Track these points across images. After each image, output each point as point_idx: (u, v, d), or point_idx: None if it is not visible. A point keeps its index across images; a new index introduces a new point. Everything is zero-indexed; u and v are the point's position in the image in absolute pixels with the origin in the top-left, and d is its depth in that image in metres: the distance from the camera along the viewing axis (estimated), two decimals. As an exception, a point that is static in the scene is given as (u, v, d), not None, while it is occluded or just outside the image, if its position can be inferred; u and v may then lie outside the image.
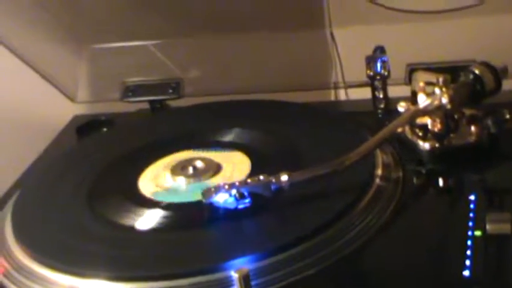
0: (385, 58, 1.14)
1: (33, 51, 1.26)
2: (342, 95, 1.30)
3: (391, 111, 1.12)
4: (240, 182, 0.92)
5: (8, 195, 1.08)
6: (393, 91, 1.17)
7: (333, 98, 1.30)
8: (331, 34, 1.24)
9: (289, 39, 1.25)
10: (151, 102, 1.28)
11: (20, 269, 0.90)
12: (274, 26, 1.24)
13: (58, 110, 1.31)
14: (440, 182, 0.98)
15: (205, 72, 1.30)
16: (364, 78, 1.18)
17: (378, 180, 0.97)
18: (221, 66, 1.30)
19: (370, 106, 1.18)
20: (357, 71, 1.21)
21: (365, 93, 1.21)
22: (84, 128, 1.25)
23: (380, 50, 1.14)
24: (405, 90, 1.12)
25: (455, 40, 1.16)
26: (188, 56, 1.30)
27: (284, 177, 0.91)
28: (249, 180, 0.92)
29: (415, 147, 1.03)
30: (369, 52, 1.16)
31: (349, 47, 1.24)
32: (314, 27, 1.24)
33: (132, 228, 0.94)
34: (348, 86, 1.28)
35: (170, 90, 1.27)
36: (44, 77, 1.28)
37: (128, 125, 1.23)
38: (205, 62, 1.30)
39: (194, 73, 1.30)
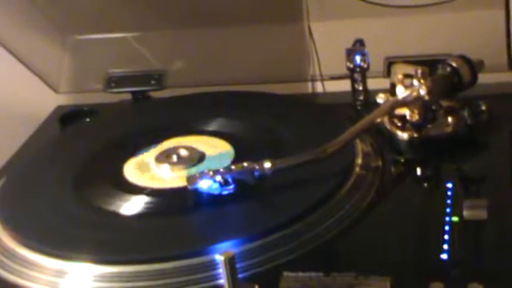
0: (364, 51, 1.16)
1: (17, 41, 1.27)
2: (319, 88, 1.32)
3: (369, 104, 1.15)
4: (224, 169, 0.94)
5: (-7, 181, 1.09)
6: (372, 84, 1.19)
7: (310, 90, 1.32)
8: (309, 28, 1.26)
9: (268, 33, 1.27)
10: (134, 93, 1.29)
11: (7, 253, 0.92)
12: (253, 19, 1.26)
13: (41, 101, 1.32)
14: (418, 170, 1.01)
15: (187, 64, 1.32)
16: (341, 72, 1.21)
17: (357, 169, 0.99)
18: (202, 58, 1.31)
19: (347, 98, 1.20)
20: (335, 64, 1.23)
21: (341, 86, 1.24)
22: (67, 118, 1.26)
23: (360, 43, 1.17)
24: (383, 83, 1.15)
25: (433, 34, 1.18)
26: (170, 48, 1.32)
27: (267, 164, 0.94)
28: (233, 167, 0.94)
29: (393, 137, 1.06)
30: (347, 46, 1.18)
31: (327, 40, 1.26)
32: (292, 20, 1.27)
33: (117, 214, 0.96)
34: (324, 78, 1.29)
35: (153, 82, 1.29)
36: (27, 66, 1.29)
37: (111, 114, 1.24)
38: (187, 54, 1.32)
39: (176, 65, 1.32)
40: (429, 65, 1.07)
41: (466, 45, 1.11)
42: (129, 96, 1.30)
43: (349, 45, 1.18)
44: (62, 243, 0.91)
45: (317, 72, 1.29)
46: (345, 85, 1.23)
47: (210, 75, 1.30)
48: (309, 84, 1.32)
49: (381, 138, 1.06)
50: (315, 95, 1.31)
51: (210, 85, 1.26)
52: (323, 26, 1.26)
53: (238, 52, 1.29)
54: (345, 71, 1.20)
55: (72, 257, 0.88)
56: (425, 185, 0.99)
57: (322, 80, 1.30)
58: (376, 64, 1.19)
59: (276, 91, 1.23)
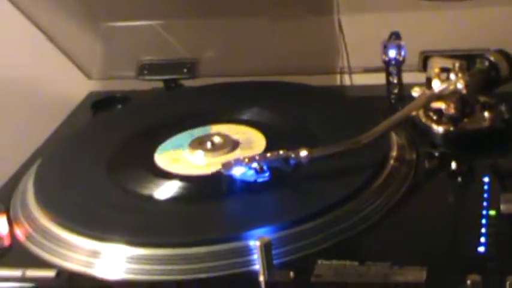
0: (400, 44, 1.15)
1: (52, 27, 1.28)
2: (347, 81, 1.32)
3: (404, 97, 1.14)
4: (260, 156, 0.94)
5: (28, 164, 1.09)
6: (406, 78, 1.19)
7: (338, 83, 1.32)
8: (339, 21, 1.26)
9: (298, 25, 1.27)
10: (166, 81, 1.30)
11: (44, 233, 0.92)
12: (283, 11, 1.26)
13: (74, 86, 1.33)
14: (454, 164, 1.00)
15: (219, 54, 1.32)
16: (370, 65, 1.20)
17: (392, 161, 0.99)
18: (233, 48, 1.31)
19: (378, 91, 1.20)
20: (364, 57, 1.23)
21: (370, 79, 1.24)
22: (100, 104, 1.27)
23: (395, 36, 1.16)
24: (417, 78, 1.14)
25: (470, 28, 1.17)
26: (203, 37, 1.31)
27: (303, 153, 0.93)
28: (268, 155, 0.94)
29: (428, 131, 1.05)
30: (377, 39, 1.17)
31: (357, 33, 1.26)
32: (323, 13, 1.26)
33: (152, 198, 0.96)
34: (357, 71, 1.29)
35: (185, 70, 1.29)
36: (62, 52, 1.29)
37: (144, 101, 1.25)
38: (219, 44, 1.32)
39: (209, 54, 1.32)
40: (466, 59, 1.06)
41: (504, 40, 1.10)
42: (160, 84, 1.30)
43: (380, 39, 1.17)
44: (97, 224, 0.91)
45: (346, 65, 1.29)
46: (374, 79, 1.23)
47: (240, 65, 1.30)
48: (338, 77, 1.32)
49: (416, 131, 1.06)
50: (344, 87, 1.31)
51: (240, 75, 1.26)
52: (353, 19, 1.25)
53: (267, 43, 1.29)
54: (374, 65, 1.20)
55: (106, 238, 0.89)
56: (461, 178, 0.98)
57: (351, 73, 1.30)
58: (411, 58, 1.18)
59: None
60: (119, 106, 1.26)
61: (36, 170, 1.03)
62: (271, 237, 0.83)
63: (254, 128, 1.08)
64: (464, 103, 1.04)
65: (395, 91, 1.18)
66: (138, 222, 0.92)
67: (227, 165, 0.94)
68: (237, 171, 0.94)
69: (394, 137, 1.03)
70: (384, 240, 0.88)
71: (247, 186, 0.94)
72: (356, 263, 0.83)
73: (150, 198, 0.96)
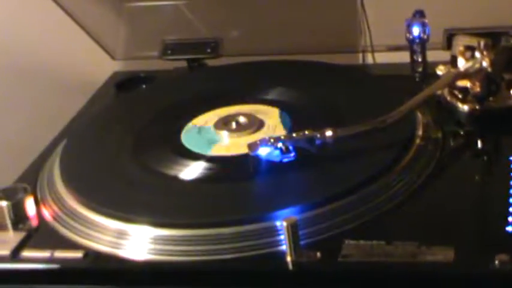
0: (424, 22, 1.15)
1: (77, 7, 1.28)
2: (370, 59, 1.31)
3: (428, 76, 1.14)
4: (285, 136, 0.94)
5: (54, 144, 1.10)
6: (430, 56, 1.18)
7: (360, 62, 1.32)
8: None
9: (321, 2, 1.26)
10: (189, 60, 1.29)
11: (71, 213, 0.93)
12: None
13: (98, 67, 1.33)
14: (480, 143, 1.00)
15: (241, 33, 1.32)
16: (394, 43, 1.20)
17: (418, 140, 0.98)
18: (255, 27, 1.31)
19: (401, 70, 1.19)
20: (388, 36, 1.23)
21: (392, 58, 1.24)
22: (124, 84, 1.27)
23: (419, 14, 1.15)
24: (442, 56, 1.13)
25: (494, 6, 1.16)
26: (226, 16, 1.31)
27: (329, 133, 0.93)
28: (294, 135, 0.94)
29: (453, 110, 1.05)
30: (401, 18, 1.17)
31: (380, 11, 1.26)
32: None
33: (177, 178, 0.96)
34: (381, 49, 1.29)
35: (208, 50, 1.29)
36: (86, 32, 1.30)
37: (168, 81, 1.25)
38: (242, 23, 1.32)
39: (232, 33, 1.31)
40: (491, 37, 1.05)
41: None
42: (184, 64, 1.30)
43: (404, 17, 1.16)
44: (123, 205, 0.92)
45: (368, 44, 1.28)
46: (398, 57, 1.22)
47: (263, 44, 1.29)
48: (360, 55, 1.31)
49: (441, 110, 1.05)
50: (368, 66, 1.31)
51: (262, 54, 1.26)
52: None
53: (290, 22, 1.29)
54: (398, 43, 1.20)
55: (133, 219, 0.89)
56: (487, 157, 0.98)
57: (373, 52, 1.29)
58: (435, 36, 1.17)
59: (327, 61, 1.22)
60: (143, 86, 1.26)
61: (62, 151, 1.04)
62: (298, 218, 0.83)
63: (278, 108, 1.08)
64: (490, 81, 1.03)
65: (420, 69, 1.17)
66: (164, 203, 0.92)
67: (253, 146, 0.94)
68: (263, 152, 0.94)
69: (419, 116, 1.02)
70: (411, 220, 0.88)
71: (273, 167, 0.93)
72: (383, 243, 0.83)
73: (176, 178, 0.96)
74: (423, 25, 1.15)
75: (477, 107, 1.03)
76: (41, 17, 1.36)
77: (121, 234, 0.89)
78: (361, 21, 1.27)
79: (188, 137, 1.04)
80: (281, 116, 1.06)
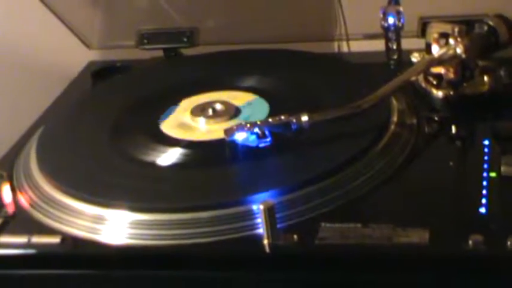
0: (399, 9, 1.15)
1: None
2: (345, 48, 1.32)
3: (403, 63, 1.15)
4: (262, 121, 0.95)
5: (30, 132, 1.10)
6: (405, 44, 1.19)
7: (336, 50, 1.32)
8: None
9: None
10: (165, 50, 1.30)
11: (47, 199, 0.93)
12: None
13: (73, 56, 1.32)
14: (454, 128, 1.01)
15: (219, 22, 1.32)
16: (369, 32, 1.21)
17: (393, 126, 0.99)
18: (232, 17, 1.31)
19: (375, 58, 1.20)
20: (363, 24, 1.23)
21: (367, 47, 1.25)
22: (100, 73, 1.27)
23: (395, 2, 1.16)
24: (416, 44, 1.14)
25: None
26: (203, 5, 1.31)
27: (304, 117, 0.94)
28: (270, 120, 0.95)
29: (428, 96, 1.06)
30: (376, 6, 1.17)
31: (354, 0, 1.26)
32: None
33: (154, 164, 0.96)
34: (357, 38, 1.29)
35: (185, 39, 1.29)
36: (61, 21, 1.29)
37: (144, 70, 1.25)
38: (219, 13, 1.32)
39: (208, 23, 1.32)
40: (465, 25, 1.06)
41: (504, 5, 1.10)
42: (160, 53, 1.30)
43: (379, 5, 1.17)
44: (100, 190, 0.92)
45: (344, 32, 1.29)
46: (373, 45, 1.23)
47: (239, 34, 1.30)
48: (336, 44, 1.32)
49: (416, 96, 1.06)
50: (343, 54, 1.31)
51: (238, 43, 1.27)
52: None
53: (266, 11, 1.29)
54: (373, 31, 1.20)
55: (110, 204, 0.89)
56: (461, 142, 0.99)
57: (348, 40, 1.30)
58: (409, 24, 1.18)
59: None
60: (119, 75, 1.26)
61: (39, 138, 1.04)
62: (275, 201, 0.84)
63: (255, 95, 1.08)
64: (464, 68, 1.04)
65: (395, 57, 1.18)
66: (141, 188, 0.92)
67: (229, 131, 0.95)
68: (239, 137, 0.94)
69: (394, 102, 1.03)
70: (387, 203, 0.89)
71: (250, 152, 0.94)
72: (359, 226, 0.84)
73: (153, 164, 0.96)
74: (398, 13, 1.16)
75: (451, 93, 1.04)
76: (15, 6, 1.36)
77: (98, 219, 0.89)
78: (336, 10, 1.28)
79: (165, 124, 1.04)
80: (258, 103, 1.06)
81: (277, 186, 0.88)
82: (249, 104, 1.07)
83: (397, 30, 1.17)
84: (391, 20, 1.16)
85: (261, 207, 0.82)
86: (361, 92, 0.98)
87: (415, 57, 1.08)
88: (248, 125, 0.94)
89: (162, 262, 0.85)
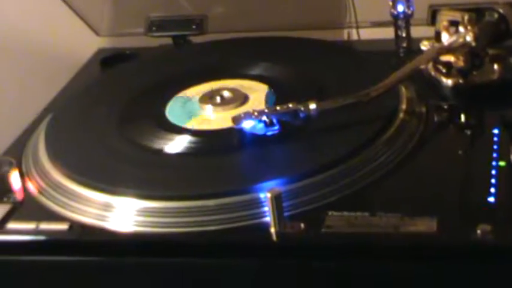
0: (409, -3, 1.15)
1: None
2: (355, 35, 1.31)
3: (412, 51, 1.14)
4: (269, 109, 0.95)
5: (39, 119, 1.10)
6: (414, 32, 1.18)
7: (345, 38, 1.32)
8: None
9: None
10: (174, 37, 1.29)
11: (56, 186, 0.93)
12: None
13: (82, 43, 1.32)
14: (463, 117, 1.01)
15: (228, 10, 1.32)
16: (378, 19, 1.20)
17: (401, 114, 0.99)
18: (241, 4, 1.31)
19: (385, 46, 1.20)
20: (373, 12, 1.23)
21: (377, 34, 1.24)
22: (109, 60, 1.27)
23: (404, -11, 1.16)
24: (426, 32, 1.14)
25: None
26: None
27: (312, 105, 0.94)
28: (278, 108, 0.95)
29: (437, 84, 1.05)
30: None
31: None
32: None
33: (162, 152, 0.96)
34: (365, 25, 1.29)
35: (194, 26, 1.28)
36: (71, 8, 1.29)
37: (153, 57, 1.25)
38: (228, 0, 1.32)
39: (217, 10, 1.31)
40: (475, 12, 1.06)
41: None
42: (169, 41, 1.30)
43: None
44: (108, 177, 0.92)
45: (353, 20, 1.28)
46: (382, 33, 1.23)
47: (248, 21, 1.30)
48: (345, 31, 1.31)
49: (425, 84, 1.06)
50: (352, 42, 1.31)
51: (247, 31, 1.26)
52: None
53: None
54: (382, 19, 1.20)
55: (118, 191, 0.89)
56: (470, 131, 0.98)
57: (358, 28, 1.29)
58: (419, 12, 1.18)
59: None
60: (128, 63, 1.26)
61: (47, 125, 1.04)
62: (282, 190, 0.83)
63: (263, 83, 1.08)
64: (474, 56, 1.04)
65: (404, 45, 1.18)
66: (149, 176, 0.92)
67: (237, 119, 0.94)
68: (247, 125, 0.94)
69: (403, 90, 1.03)
70: (394, 192, 0.89)
71: (257, 140, 0.94)
72: (366, 214, 0.84)
73: (161, 152, 0.96)
74: (408, 1, 1.16)
75: (461, 81, 1.03)
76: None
77: (106, 207, 0.89)
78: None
79: (173, 112, 1.04)
80: (266, 91, 1.06)
81: (284, 174, 0.87)
82: (258, 91, 1.06)
83: (407, 18, 1.16)
84: (400, 8, 1.16)
85: (268, 195, 0.82)
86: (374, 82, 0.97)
87: (424, 45, 1.08)
88: (256, 113, 0.94)
89: (170, 249, 0.85)
